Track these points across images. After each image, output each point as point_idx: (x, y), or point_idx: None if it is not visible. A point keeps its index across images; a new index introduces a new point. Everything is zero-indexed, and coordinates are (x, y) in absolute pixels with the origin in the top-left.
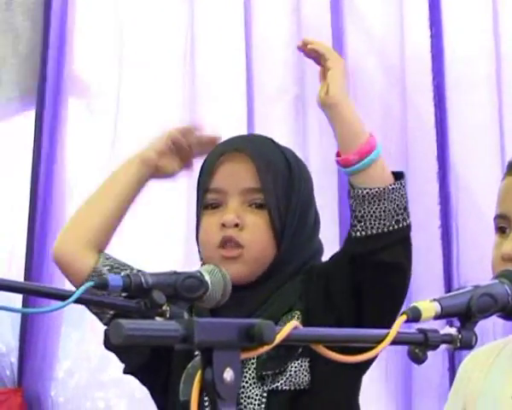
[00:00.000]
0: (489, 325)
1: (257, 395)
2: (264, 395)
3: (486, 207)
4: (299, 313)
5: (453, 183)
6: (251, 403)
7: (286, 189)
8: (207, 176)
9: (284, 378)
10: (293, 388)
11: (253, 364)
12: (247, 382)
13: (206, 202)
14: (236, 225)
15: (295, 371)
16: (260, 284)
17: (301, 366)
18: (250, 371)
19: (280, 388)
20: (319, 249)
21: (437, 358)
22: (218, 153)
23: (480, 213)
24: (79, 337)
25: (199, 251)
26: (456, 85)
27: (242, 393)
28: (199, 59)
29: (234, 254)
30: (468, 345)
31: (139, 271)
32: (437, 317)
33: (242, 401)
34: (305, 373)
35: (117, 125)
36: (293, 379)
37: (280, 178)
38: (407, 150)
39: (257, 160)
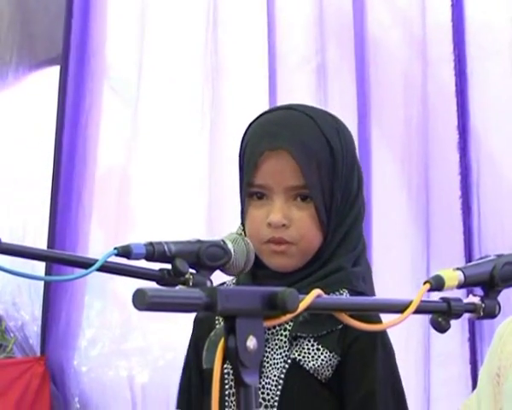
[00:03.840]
0: None
1: (278, 363)
2: (287, 366)
3: (508, 177)
4: (346, 291)
5: (474, 153)
6: (271, 371)
7: (330, 177)
8: (251, 170)
9: (310, 357)
10: (311, 371)
11: (284, 330)
12: (272, 349)
13: (251, 191)
14: (283, 225)
15: (322, 360)
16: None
17: (330, 359)
18: (282, 337)
19: (302, 362)
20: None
21: (456, 328)
22: (260, 149)
23: (502, 183)
24: (102, 307)
25: (243, 233)
26: (477, 54)
27: (267, 358)
28: (221, 29)
29: (282, 248)
30: (492, 314)
31: None
32: (460, 286)
33: (264, 369)
34: (329, 369)
35: (139, 96)
36: (316, 364)
37: (323, 168)
38: (428, 120)
39: (299, 156)
